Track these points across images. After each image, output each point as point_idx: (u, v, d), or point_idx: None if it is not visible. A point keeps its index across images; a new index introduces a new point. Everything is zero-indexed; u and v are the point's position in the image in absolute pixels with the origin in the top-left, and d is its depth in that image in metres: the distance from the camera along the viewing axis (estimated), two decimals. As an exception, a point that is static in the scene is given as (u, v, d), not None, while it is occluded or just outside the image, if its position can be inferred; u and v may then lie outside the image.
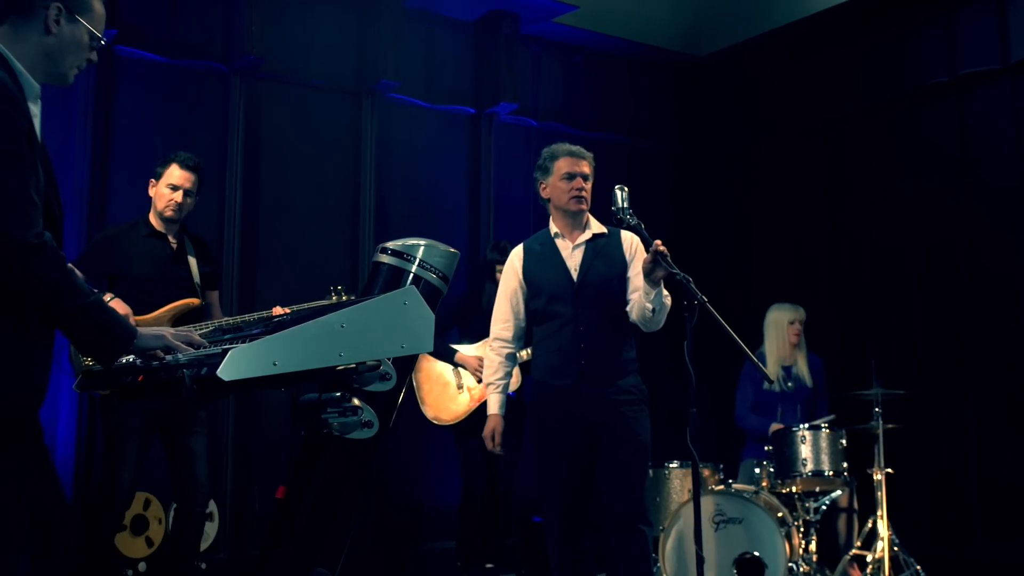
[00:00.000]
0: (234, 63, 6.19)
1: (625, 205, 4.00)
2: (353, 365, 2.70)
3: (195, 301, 4.47)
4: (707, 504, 5.18)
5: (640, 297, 4.04)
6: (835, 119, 7.21)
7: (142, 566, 5.44)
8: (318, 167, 6.52)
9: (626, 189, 4.04)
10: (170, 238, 4.58)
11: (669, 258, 3.86)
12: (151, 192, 4.59)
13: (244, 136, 6.22)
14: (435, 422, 5.66)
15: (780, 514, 5.26)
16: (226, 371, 2.18)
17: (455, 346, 5.63)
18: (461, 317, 5.88)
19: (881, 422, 5.40)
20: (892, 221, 6.84)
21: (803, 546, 5.32)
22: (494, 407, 4.25)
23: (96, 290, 4.39)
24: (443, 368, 5.70)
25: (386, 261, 3.13)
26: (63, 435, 5.56)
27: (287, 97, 6.45)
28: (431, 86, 6.94)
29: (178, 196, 4.53)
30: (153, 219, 4.58)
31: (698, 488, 3.72)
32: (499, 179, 7.08)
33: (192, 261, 4.58)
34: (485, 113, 7.07)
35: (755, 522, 5.11)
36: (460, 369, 5.64)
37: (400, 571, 6.39)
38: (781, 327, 5.97)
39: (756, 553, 5.10)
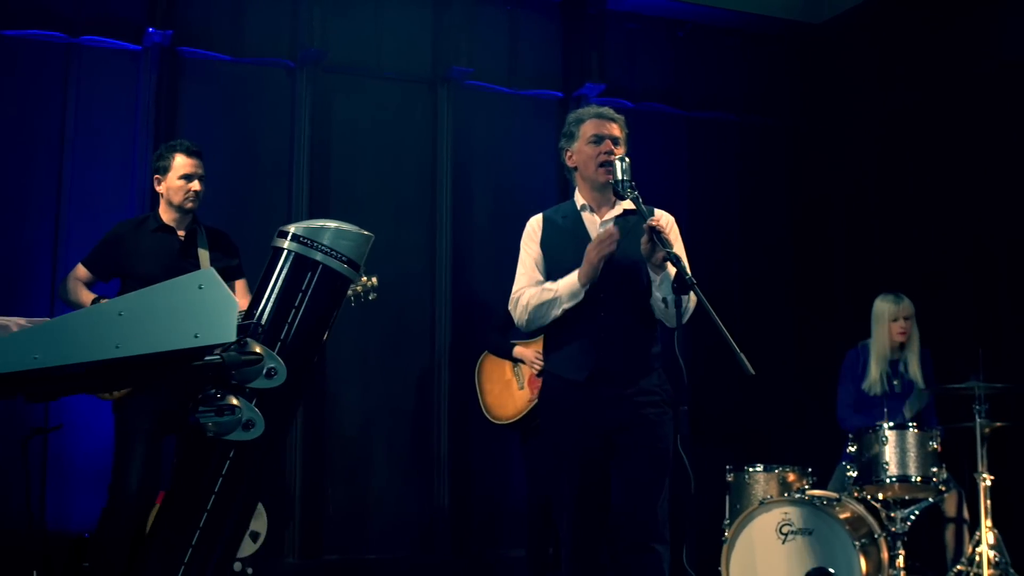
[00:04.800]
0: (300, 58, 6.07)
1: (625, 178, 3.56)
2: (218, 358, 2.46)
3: None
4: (774, 513, 4.66)
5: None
6: (969, 80, 6.38)
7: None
8: (391, 162, 6.31)
9: (627, 160, 3.61)
10: (179, 231, 4.51)
11: (663, 235, 3.41)
12: (160, 188, 4.55)
13: (312, 132, 6.08)
14: (495, 422, 5.38)
15: (865, 525, 4.67)
16: (-31, 366, 1.96)
17: (515, 341, 5.32)
18: None
19: (979, 420, 4.70)
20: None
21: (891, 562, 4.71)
22: (571, 275, 3.58)
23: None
24: (505, 366, 5.40)
25: (287, 247, 2.84)
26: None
27: (358, 90, 6.28)
28: (514, 71, 6.61)
29: (195, 185, 4.50)
30: (163, 214, 4.55)
31: (690, 502, 3.26)
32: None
33: (203, 254, 4.49)
34: (573, 96, 6.67)
35: (827, 533, 4.55)
36: (521, 365, 5.32)
37: (476, 579, 6.11)
38: (882, 321, 5.34)
39: (830, 569, 4.54)
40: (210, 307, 2.22)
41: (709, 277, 6.84)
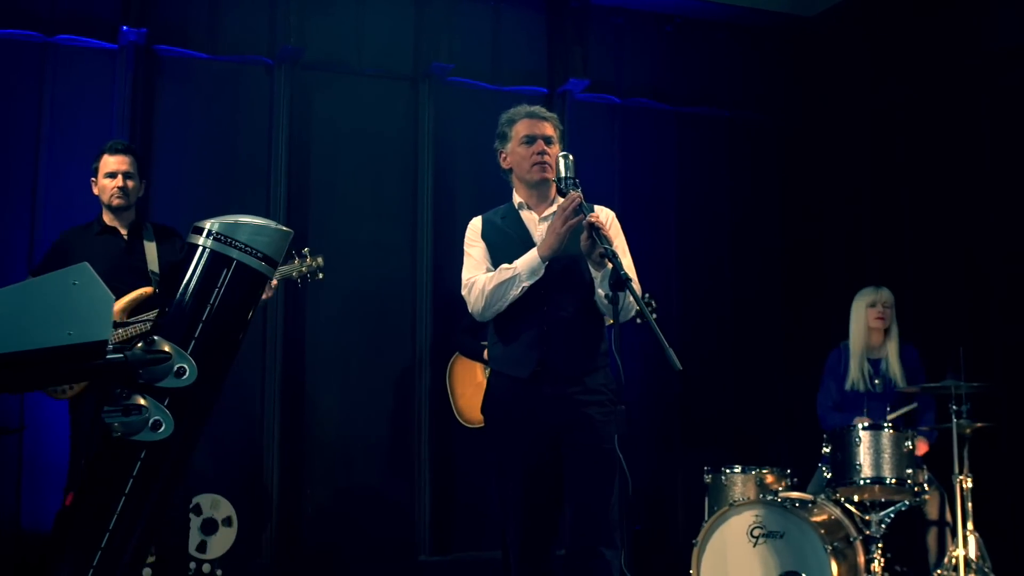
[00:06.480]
0: (279, 55, 6.01)
1: (568, 175, 3.52)
2: (121, 356, 2.41)
3: (148, 290, 4.34)
4: (745, 516, 4.56)
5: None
6: (962, 72, 6.22)
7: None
8: (372, 160, 6.24)
9: (571, 157, 3.56)
10: (122, 231, 4.52)
11: (602, 232, 3.33)
12: (96, 191, 4.59)
13: (291, 131, 6.01)
14: (468, 426, 5.31)
15: (840, 528, 4.56)
16: None
17: (486, 343, 5.23)
18: None
19: (956, 421, 4.57)
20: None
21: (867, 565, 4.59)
22: (529, 252, 3.55)
23: None
24: (476, 368, 5.33)
25: (202, 243, 2.78)
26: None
27: (337, 87, 6.20)
28: (497, 67, 6.52)
29: (118, 181, 4.51)
30: (105, 216, 4.58)
31: (625, 504, 3.16)
32: (577, 161, 6.57)
33: (149, 248, 4.50)
34: (558, 92, 6.57)
35: (798, 536, 4.44)
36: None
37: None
38: (860, 309, 5.23)
39: (802, 573, 4.43)
40: (84, 304, 2.17)
41: (698, 276, 6.82)
